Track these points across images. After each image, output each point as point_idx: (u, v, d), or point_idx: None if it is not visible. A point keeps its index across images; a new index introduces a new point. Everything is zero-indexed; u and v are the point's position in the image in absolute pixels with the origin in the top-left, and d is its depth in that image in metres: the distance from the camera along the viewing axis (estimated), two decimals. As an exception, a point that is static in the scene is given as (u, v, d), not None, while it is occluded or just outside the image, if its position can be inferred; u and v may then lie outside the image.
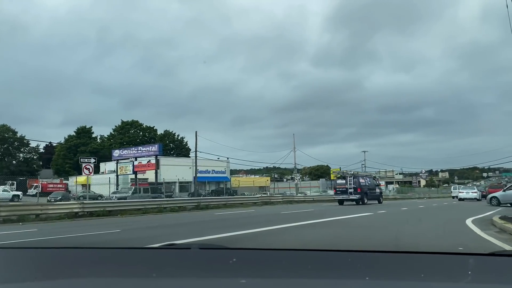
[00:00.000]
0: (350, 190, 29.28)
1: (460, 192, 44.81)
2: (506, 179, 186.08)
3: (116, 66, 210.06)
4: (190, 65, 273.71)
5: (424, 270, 1.38)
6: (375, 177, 38.80)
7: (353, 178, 30.41)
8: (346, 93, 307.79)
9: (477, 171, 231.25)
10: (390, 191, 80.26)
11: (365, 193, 29.96)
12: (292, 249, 1.80)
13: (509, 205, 24.87)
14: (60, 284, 1.41)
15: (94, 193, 46.89)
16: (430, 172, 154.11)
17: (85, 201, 23.97)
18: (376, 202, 31.55)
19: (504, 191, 27.19)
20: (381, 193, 33.73)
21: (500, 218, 12.59)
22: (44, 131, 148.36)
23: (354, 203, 28.80)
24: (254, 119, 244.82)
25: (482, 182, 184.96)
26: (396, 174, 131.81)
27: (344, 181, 30.19)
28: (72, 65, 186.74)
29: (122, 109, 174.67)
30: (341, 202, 29.95)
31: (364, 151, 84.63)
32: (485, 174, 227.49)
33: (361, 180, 30.67)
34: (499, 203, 25.94)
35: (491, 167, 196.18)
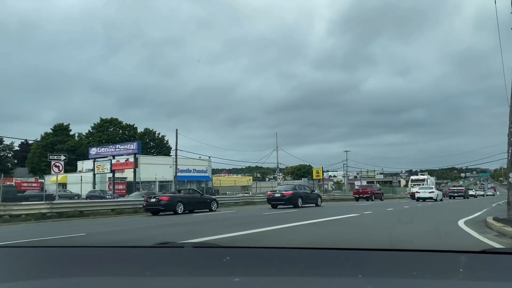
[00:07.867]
0: None
1: (482, 191, 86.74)
2: (483, 179, 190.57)
3: (120, 65, 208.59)
4: (193, 65, 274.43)
5: (416, 267, 1.40)
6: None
7: None
8: (341, 95, 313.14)
9: (455, 171, 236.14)
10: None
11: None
12: (285, 247, 1.80)
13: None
14: (52, 283, 1.39)
15: (71, 192, 45.55)
16: (410, 172, 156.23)
17: (54, 201, 22.54)
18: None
19: None
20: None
21: (494, 219, 12.00)
22: (36, 129, 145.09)
23: None
24: (248, 119, 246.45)
25: (461, 182, 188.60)
26: (377, 174, 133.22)
27: None
28: (75, 64, 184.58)
29: (118, 108, 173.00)
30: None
31: (346, 151, 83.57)
32: (463, 175, 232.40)
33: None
34: None
35: (468, 167, 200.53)
